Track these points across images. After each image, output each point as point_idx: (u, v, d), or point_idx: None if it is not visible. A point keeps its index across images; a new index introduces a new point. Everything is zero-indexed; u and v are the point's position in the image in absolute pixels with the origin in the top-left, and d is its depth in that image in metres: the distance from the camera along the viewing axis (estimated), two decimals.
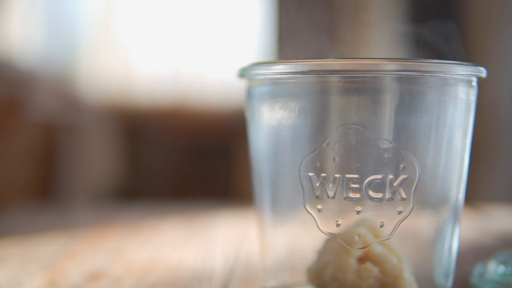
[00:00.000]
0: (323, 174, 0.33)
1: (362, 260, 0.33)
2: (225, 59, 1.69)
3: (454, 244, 0.35)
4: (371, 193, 0.32)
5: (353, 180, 0.32)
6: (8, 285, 0.41)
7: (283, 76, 0.34)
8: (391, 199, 0.32)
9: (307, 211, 0.33)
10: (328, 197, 0.33)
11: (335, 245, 0.33)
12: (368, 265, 0.33)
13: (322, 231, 0.33)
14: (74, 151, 1.57)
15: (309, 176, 0.33)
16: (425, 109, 0.32)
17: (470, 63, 0.34)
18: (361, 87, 0.32)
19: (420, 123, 0.32)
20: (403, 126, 0.32)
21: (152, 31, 1.70)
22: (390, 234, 0.33)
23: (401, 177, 0.32)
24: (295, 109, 0.34)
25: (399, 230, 0.33)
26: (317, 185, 0.33)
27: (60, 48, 1.61)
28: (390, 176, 0.32)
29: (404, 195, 0.32)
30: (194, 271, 0.45)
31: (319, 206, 0.33)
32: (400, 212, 0.32)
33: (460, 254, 0.40)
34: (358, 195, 0.32)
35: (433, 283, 0.34)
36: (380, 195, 0.32)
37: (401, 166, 0.32)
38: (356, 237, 0.32)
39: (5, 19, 1.41)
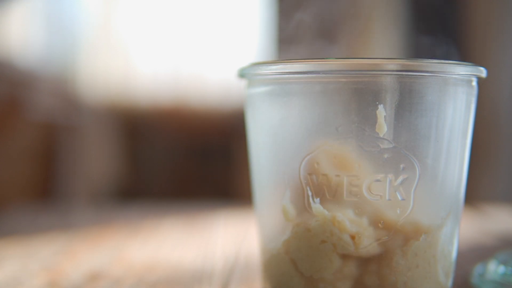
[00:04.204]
0: (323, 174, 0.33)
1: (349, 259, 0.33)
2: (225, 59, 1.69)
3: (454, 244, 0.35)
4: (371, 193, 0.32)
5: (353, 180, 0.32)
6: (8, 285, 0.41)
7: (283, 76, 0.34)
8: (391, 199, 0.32)
9: (308, 211, 0.33)
10: (328, 197, 0.33)
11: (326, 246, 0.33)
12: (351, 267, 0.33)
13: (322, 231, 0.33)
14: (74, 151, 1.57)
15: (309, 176, 0.33)
16: (425, 109, 0.32)
17: (470, 63, 0.34)
18: (361, 87, 0.32)
19: (420, 123, 0.32)
20: (403, 126, 0.32)
21: (152, 31, 1.70)
22: (390, 234, 0.33)
23: (401, 177, 0.32)
24: (295, 109, 0.34)
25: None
26: (317, 185, 0.33)
27: (60, 48, 1.61)
28: (390, 176, 0.32)
29: (404, 195, 0.32)
30: (194, 271, 0.45)
31: (319, 206, 0.33)
32: (400, 212, 0.32)
33: (460, 254, 0.40)
34: (358, 195, 0.32)
35: (434, 283, 0.34)
36: (380, 195, 0.32)
37: (401, 166, 0.32)
38: (350, 238, 0.32)
39: (5, 19, 1.41)
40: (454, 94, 0.33)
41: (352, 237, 0.32)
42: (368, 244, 0.32)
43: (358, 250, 0.32)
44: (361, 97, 0.32)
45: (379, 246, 0.33)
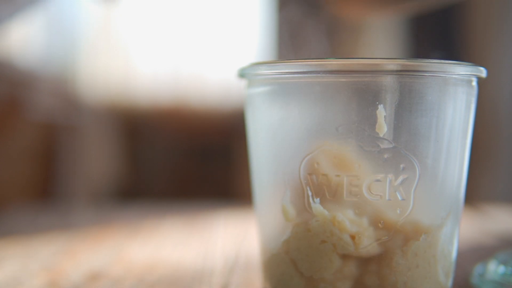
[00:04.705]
0: (323, 174, 0.33)
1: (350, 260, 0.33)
2: (225, 59, 1.69)
3: (454, 244, 0.35)
4: (371, 193, 0.32)
5: (353, 180, 0.32)
6: (8, 285, 0.41)
7: (283, 76, 0.34)
8: (391, 199, 0.32)
9: (308, 211, 0.33)
10: (328, 197, 0.33)
11: (326, 247, 0.33)
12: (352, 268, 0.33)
13: (322, 231, 0.33)
14: (74, 151, 1.57)
15: (309, 176, 0.33)
16: (425, 109, 0.32)
17: (470, 63, 0.34)
18: (361, 87, 0.32)
19: (420, 123, 0.32)
20: (403, 126, 0.32)
21: (152, 31, 1.70)
22: (390, 234, 0.33)
23: (401, 177, 0.32)
24: (295, 109, 0.34)
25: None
26: (317, 185, 0.33)
27: (60, 48, 1.61)
28: (390, 176, 0.32)
29: (404, 195, 0.32)
30: (194, 271, 0.45)
31: (319, 206, 0.33)
32: (400, 212, 0.32)
33: (460, 254, 0.40)
34: (358, 195, 0.32)
35: (434, 283, 0.34)
36: (380, 195, 0.32)
37: (401, 166, 0.32)
38: (351, 239, 0.32)
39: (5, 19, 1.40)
40: (454, 94, 0.33)
41: (352, 237, 0.32)
42: (368, 244, 0.32)
43: (358, 250, 0.32)
44: (361, 97, 0.32)
45: (379, 246, 0.33)
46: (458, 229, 0.36)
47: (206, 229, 0.63)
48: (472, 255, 0.49)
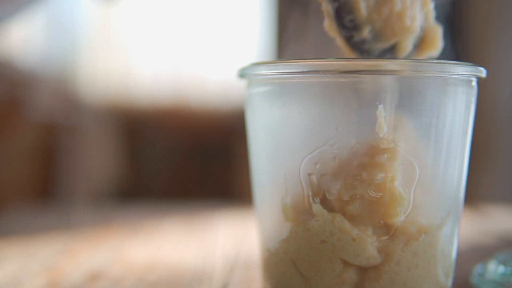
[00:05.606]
0: (323, 174, 0.33)
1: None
2: (225, 59, 1.69)
3: (454, 244, 0.35)
4: (371, 192, 0.32)
5: (353, 180, 0.32)
6: (8, 285, 0.41)
7: (283, 76, 0.34)
8: (391, 199, 0.32)
9: (308, 211, 0.33)
10: (328, 197, 0.33)
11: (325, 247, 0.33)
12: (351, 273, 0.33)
13: (321, 231, 0.33)
14: (74, 151, 1.57)
15: (309, 176, 0.33)
16: (425, 109, 0.32)
17: (470, 63, 0.34)
18: (361, 87, 0.32)
19: (420, 123, 0.32)
20: (403, 126, 0.32)
21: (152, 31, 1.70)
22: (390, 234, 0.33)
23: (401, 177, 0.32)
24: (295, 109, 0.34)
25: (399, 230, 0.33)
26: (317, 185, 0.33)
27: (60, 48, 1.61)
28: (390, 176, 0.32)
29: (404, 195, 0.32)
30: (194, 271, 0.45)
31: (319, 206, 0.33)
32: (400, 212, 0.32)
33: (460, 254, 0.40)
34: (358, 195, 0.32)
35: (434, 283, 0.34)
36: (380, 194, 0.32)
37: (401, 166, 0.32)
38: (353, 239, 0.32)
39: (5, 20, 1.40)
40: (454, 94, 0.33)
41: (353, 238, 0.32)
42: (368, 245, 0.32)
43: (359, 252, 0.32)
44: (361, 97, 0.32)
45: (379, 246, 0.33)
46: (458, 229, 0.36)
47: (206, 229, 0.63)
48: (472, 255, 0.49)
